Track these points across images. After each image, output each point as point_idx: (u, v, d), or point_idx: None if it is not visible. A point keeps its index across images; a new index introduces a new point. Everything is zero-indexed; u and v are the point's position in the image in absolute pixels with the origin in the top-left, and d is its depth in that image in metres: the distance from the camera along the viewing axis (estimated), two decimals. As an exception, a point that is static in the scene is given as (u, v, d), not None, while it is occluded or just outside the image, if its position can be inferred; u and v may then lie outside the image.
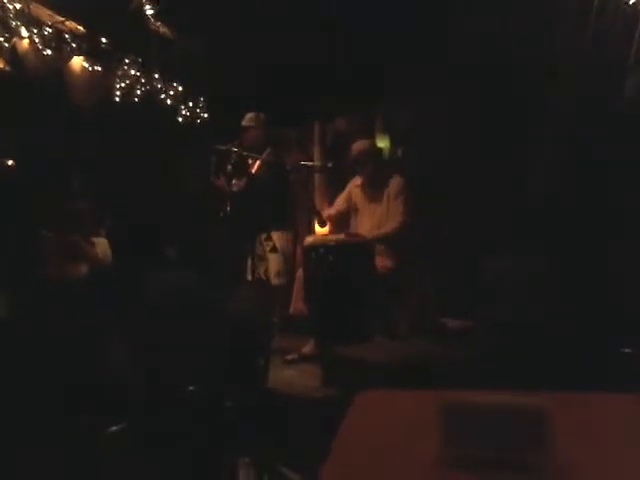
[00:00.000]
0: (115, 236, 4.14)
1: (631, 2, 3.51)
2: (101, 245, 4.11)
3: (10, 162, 4.28)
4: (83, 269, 3.59)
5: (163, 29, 5.17)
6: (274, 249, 4.25)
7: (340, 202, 4.28)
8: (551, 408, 0.91)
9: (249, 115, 4.48)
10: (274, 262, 4.34)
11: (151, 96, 5.47)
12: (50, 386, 1.75)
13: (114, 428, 1.67)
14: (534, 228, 3.99)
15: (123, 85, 5.30)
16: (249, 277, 4.28)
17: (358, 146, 4.11)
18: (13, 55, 4.35)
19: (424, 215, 4.30)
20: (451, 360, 3.08)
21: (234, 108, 4.74)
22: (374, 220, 4.03)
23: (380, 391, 1.34)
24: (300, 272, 4.06)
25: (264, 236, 4.26)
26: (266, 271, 4.38)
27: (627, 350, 2.98)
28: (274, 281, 4.33)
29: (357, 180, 4.21)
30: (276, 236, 4.32)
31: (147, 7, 4.88)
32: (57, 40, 4.67)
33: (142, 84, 5.40)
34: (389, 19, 4.25)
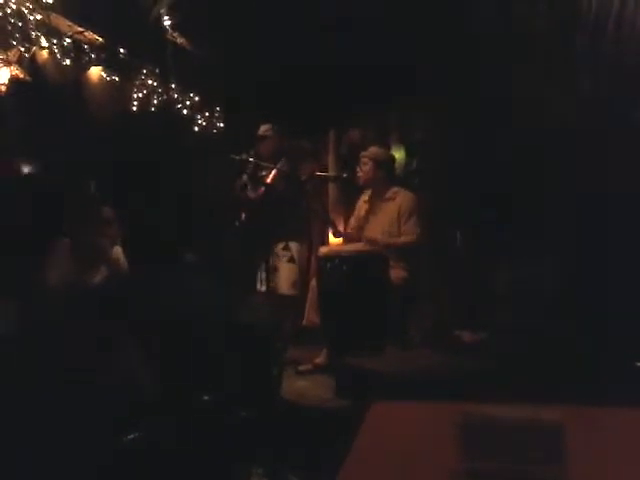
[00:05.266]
0: (131, 242, 4.16)
1: None
2: (116, 251, 4.14)
3: (27, 169, 4.31)
4: (101, 275, 3.60)
5: (180, 39, 5.22)
6: (292, 259, 4.23)
7: (352, 222, 4.33)
8: (569, 422, 0.90)
9: (264, 126, 4.50)
10: (289, 272, 4.32)
11: (168, 106, 5.52)
12: (63, 391, 1.76)
13: (127, 437, 1.67)
14: (551, 236, 3.95)
15: (140, 95, 5.35)
16: (262, 287, 4.27)
17: (374, 149, 4.15)
18: (32, 65, 4.40)
19: (438, 227, 4.29)
20: (465, 372, 3.05)
21: (250, 118, 4.76)
22: (384, 227, 4.02)
23: (394, 402, 1.33)
24: (314, 283, 4.06)
25: (281, 246, 4.25)
26: (276, 282, 4.36)
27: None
28: (288, 291, 4.31)
29: (365, 195, 4.24)
30: (293, 246, 4.32)
31: (165, 18, 4.94)
32: (76, 50, 4.72)
33: (159, 94, 5.45)
34: (409, 26, 4.24)
